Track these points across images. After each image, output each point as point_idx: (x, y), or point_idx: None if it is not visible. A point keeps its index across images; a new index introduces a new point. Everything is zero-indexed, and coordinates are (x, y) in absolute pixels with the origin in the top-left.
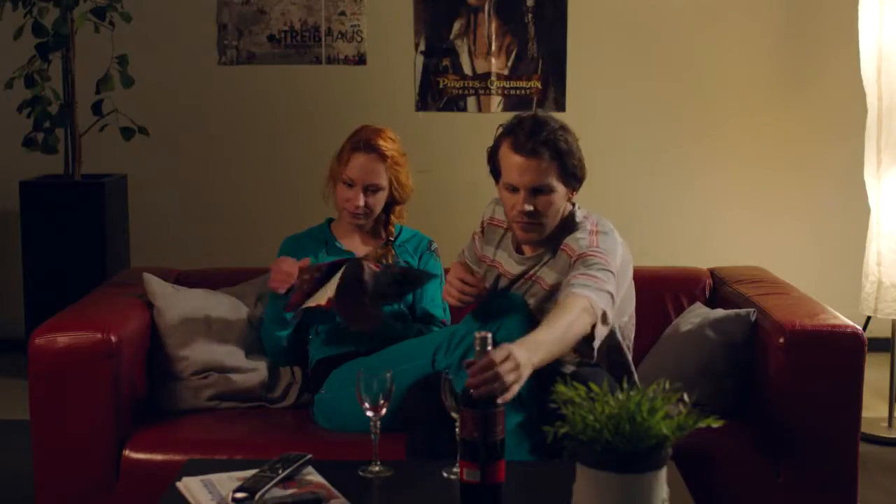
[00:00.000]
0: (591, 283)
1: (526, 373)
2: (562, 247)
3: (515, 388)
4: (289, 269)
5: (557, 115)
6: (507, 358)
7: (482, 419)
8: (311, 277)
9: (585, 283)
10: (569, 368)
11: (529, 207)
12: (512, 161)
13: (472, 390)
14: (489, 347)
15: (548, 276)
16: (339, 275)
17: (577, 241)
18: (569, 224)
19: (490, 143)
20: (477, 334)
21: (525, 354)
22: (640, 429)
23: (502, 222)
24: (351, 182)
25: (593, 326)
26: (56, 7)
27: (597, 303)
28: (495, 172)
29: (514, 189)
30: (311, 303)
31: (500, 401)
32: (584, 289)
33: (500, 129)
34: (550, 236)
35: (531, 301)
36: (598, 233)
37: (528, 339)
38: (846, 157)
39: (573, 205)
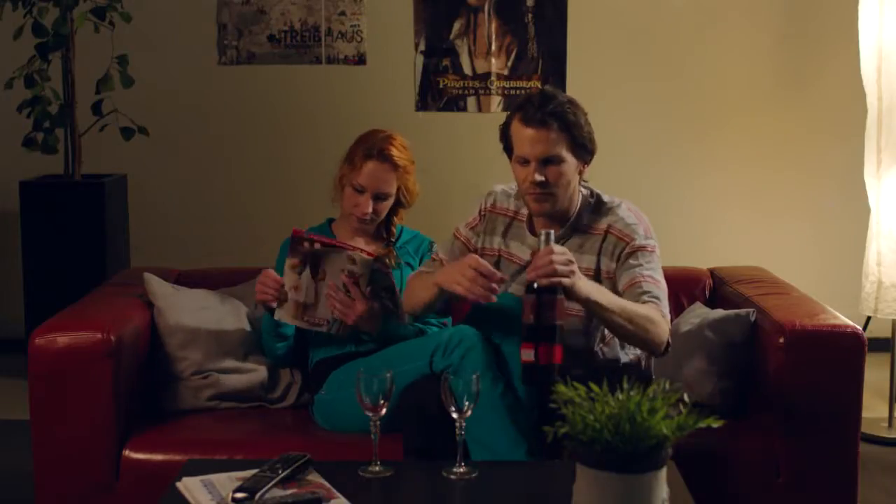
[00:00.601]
0: (662, 295)
1: (578, 280)
2: (611, 231)
3: (566, 281)
4: (273, 280)
5: None
6: (563, 253)
7: (536, 304)
8: (305, 250)
9: (657, 295)
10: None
11: (540, 178)
12: (523, 134)
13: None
14: (551, 242)
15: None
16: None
17: (630, 227)
18: (598, 206)
19: (490, 142)
20: (542, 231)
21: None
22: (640, 429)
23: (507, 210)
24: (362, 188)
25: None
26: (56, 7)
27: (667, 315)
28: (508, 150)
29: (525, 161)
30: (306, 321)
31: (547, 282)
32: (657, 301)
33: (511, 107)
34: (568, 215)
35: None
36: (643, 218)
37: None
38: (846, 157)
39: (587, 187)
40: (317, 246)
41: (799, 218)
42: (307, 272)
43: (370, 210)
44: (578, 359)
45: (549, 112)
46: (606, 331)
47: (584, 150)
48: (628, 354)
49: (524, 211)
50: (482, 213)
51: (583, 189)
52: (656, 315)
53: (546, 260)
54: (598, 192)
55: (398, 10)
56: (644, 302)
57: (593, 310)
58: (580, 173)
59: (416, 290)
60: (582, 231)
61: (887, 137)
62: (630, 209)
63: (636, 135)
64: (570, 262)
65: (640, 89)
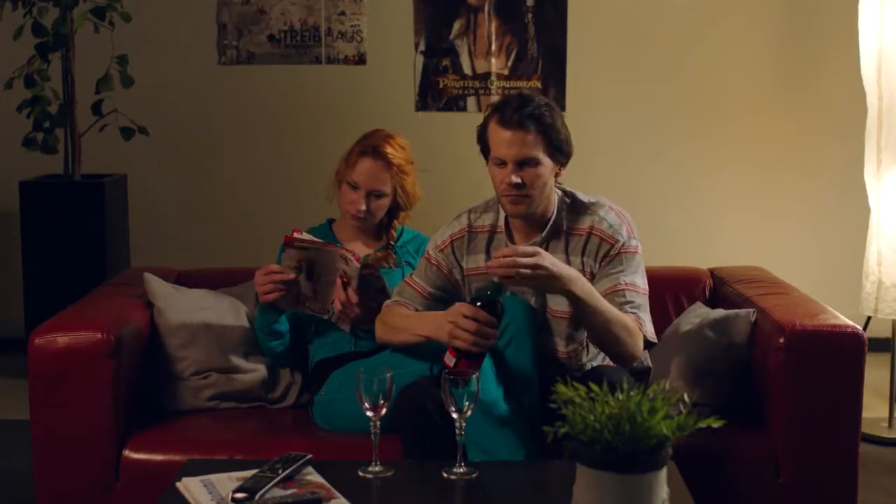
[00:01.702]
0: (644, 303)
1: (551, 271)
2: (594, 232)
3: (529, 282)
4: (278, 274)
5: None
6: (531, 254)
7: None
8: (298, 256)
9: (639, 304)
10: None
11: (517, 179)
12: (500, 136)
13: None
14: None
15: (558, 259)
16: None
17: (613, 228)
18: (576, 206)
19: None
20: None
21: (555, 262)
22: (640, 429)
23: (484, 226)
24: (355, 185)
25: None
26: (56, 7)
27: (649, 329)
28: (485, 151)
29: (501, 163)
30: (307, 309)
31: (503, 272)
32: (637, 312)
33: (489, 109)
34: (546, 218)
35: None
36: (625, 217)
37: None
38: (846, 156)
39: (562, 188)
40: (308, 246)
41: (799, 218)
42: (303, 277)
43: (363, 207)
44: (569, 362)
45: (526, 114)
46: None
47: (560, 152)
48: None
49: (502, 222)
50: (454, 238)
51: (558, 190)
52: (636, 328)
53: (509, 260)
54: (573, 191)
55: (398, 10)
56: (626, 311)
57: (578, 308)
58: (556, 176)
59: (396, 331)
60: (564, 233)
61: (887, 137)
62: (612, 208)
63: (636, 134)
64: (538, 265)
65: (640, 89)
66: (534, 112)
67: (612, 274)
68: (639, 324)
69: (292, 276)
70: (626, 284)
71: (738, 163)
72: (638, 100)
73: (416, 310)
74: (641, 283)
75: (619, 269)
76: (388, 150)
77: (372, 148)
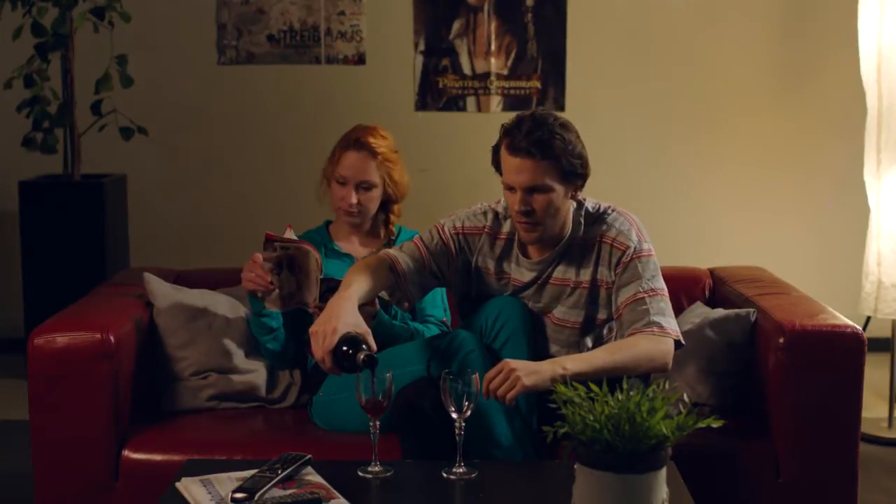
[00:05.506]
0: (666, 305)
1: (524, 375)
2: (604, 240)
3: (511, 394)
4: (260, 267)
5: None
6: (498, 370)
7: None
8: (278, 255)
9: (660, 308)
10: None
11: (526, 207)
12: (509, 162)
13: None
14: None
15: (569, 273)
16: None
17: (623, 234)
18: (587, 216)
19: (490, 143)
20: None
21: (521, 363)
22: (639, 429)
23: (503, 233)
24: (343, 180)
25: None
26: (55, 7)
27: (674, 330)
28: (500, 171)
29: (511, 189)
30: (293, 304)
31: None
32: (660, 315)
33: (502, 130)
34: (561, 236)
35: (552, 304)
36: (634, 220)
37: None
38: (846, 156)
39: (580, 200)
40: (287, 245)
41: (799, 218)
42: (286, 272)
43: (354, 200)
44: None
45: (534, 140)
46: (594, 342)
47: (574, 175)
48: None
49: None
50: (474, 233)
51: (572, 202)
52: (646, 344)
53: (484, 389)
54: (582, 199)
55: (398, 10)
56: (648, 322)
57: (587, 376)
58: (572, 197)
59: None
60: (576, 245)
61: (887, 137)
62: (619, 213)
63: (636, 135)
64: (509, 371)
65: (640, 89)
66: (543, 137)
67: (630, 283)
68: (652, 334)
69: (268, 280)
70: (646, 291)
71: (738, 163)
72: (638, 100)
73: (407, 264)
74: (660, 285)
75: (636, 278)
76: (371, 140)
77: (354, 140)
